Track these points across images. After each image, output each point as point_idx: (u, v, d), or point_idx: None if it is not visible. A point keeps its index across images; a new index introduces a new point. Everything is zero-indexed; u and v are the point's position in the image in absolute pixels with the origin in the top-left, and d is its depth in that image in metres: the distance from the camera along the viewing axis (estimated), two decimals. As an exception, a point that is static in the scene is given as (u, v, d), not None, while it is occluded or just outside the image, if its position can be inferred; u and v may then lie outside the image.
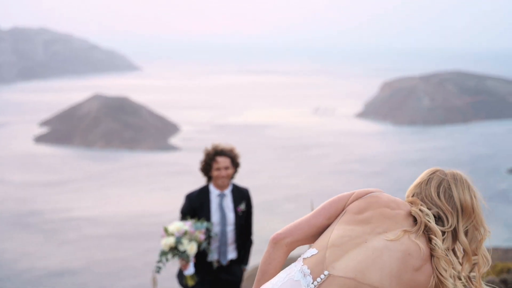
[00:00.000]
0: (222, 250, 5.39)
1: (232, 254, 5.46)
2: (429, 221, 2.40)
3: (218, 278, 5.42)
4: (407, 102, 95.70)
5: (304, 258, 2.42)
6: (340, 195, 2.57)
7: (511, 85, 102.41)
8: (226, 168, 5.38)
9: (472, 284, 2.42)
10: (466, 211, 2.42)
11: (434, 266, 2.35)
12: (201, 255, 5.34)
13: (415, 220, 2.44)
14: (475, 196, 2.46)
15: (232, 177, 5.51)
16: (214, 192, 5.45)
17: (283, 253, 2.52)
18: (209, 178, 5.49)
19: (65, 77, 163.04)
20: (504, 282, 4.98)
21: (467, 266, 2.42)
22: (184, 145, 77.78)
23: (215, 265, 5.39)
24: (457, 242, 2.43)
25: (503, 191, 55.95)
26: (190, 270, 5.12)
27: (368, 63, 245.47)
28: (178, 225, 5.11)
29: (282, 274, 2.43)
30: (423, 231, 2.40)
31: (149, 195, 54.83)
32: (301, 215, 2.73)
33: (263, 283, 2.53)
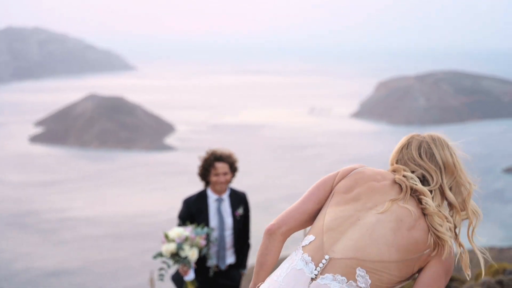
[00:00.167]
0: (221, 255, 5.39)
1: (230, 259, 5.46)
2: (415, 184, 2.43)
3: (216, 282, 5.42)
4: (402, 102, 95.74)
5: (303, 246, 2.45)
6: (325, 177, 2.59)
7: (506, 85, 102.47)
8: (225, 174, 5.38)
9: (457, 240, 2.44)
10: (449, 168, 2.47)
11: (428, 224, 2.38)
12: (200, 260, 5.35)
13: (401, 187, 2.47)
14: (454, 153, 2.51)
15: (230, 182, 5.54)
16: (212, 197, 5.44)
17: (278, 243, 2.55)
18: (207, 183, 5.50)
19: (60, 77, 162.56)
20: (500, 283, 4.92)
21: (457, 219, 2.44)
22: (180, 145, 77.65)
23: (213, 270, 5.39)
24: (445, 200, 2.46)
25: (498, 190, 56.08)
26: (190, 275, 5.15)
27: (363, 63, 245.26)
28: (178, 231, 5.10)
29: (285, 264, 2.46)
30: (410, 195, 2.44)
31: (145, 195, 54.76)
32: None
33: (262, 275, 2.56)
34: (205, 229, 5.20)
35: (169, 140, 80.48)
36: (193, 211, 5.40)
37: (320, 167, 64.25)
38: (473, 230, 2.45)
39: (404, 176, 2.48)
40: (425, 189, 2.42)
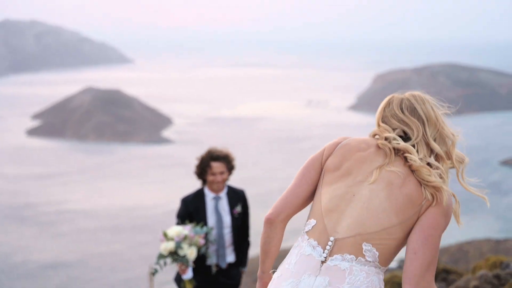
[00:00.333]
0: (221, 253, 5.39)
1: (230, 257, 5.46)
2: (397, 143, 2.49)
3: (216, 281, 5.43)
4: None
5: (307, 232, 2.50)
6: (313, 156, 2.64)
7: (503, 78, 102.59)
8: (221, 173, 5.39)
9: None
10: (431, 121, 2.52)
11: (419, 179, 2.43)
12: (199, 259, 5.35)
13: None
14: (435, 106, 2.57)
15: (227, 180, 5.54)
16: (209, 195, 5.44)
17: (280, 230, 2.60)
18: (204, 181, 5.50)
19: (57, 70, 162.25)
20: (497, 277, 4.90)
21: (444, 166, 2.48)
22: (177, 138, 77.62)
23: (214, 269, 5.39)
24: (431, 151, 2.51)
25: (495, 182, 56.21)
26: (188, 274, 5.15)
27: (358, 56, 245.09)
28: (177, 230, 5.10)
29: (293, 251, 2.51)
30: (396, 155, 2.50)
31: (142, 187, 54.76)
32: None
33: (268, 263, 2.63)
34: (204, 228, 5.20)
35: (166, 133, 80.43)
36: (191, 210, 5.41)
37: (317, 160, 64.25)
38: (462, 175, 2.50)
39: (386, 138, 2.53)
40: (408, 145, 2.47)
